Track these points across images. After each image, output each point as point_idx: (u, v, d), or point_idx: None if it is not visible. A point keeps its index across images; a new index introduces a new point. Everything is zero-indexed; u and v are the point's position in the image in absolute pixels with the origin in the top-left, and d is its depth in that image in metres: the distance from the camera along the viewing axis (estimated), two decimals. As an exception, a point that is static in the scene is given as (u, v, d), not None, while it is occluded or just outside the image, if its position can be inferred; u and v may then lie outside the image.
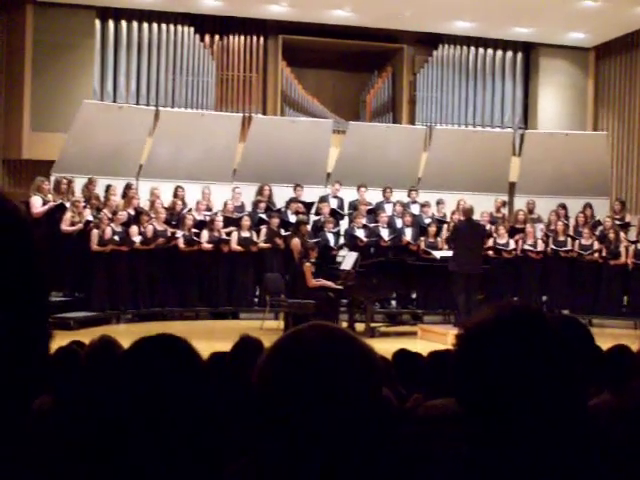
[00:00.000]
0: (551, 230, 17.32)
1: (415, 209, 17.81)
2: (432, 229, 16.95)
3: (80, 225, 14.95)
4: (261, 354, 1.70)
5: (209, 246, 16.16)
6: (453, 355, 1.78)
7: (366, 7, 19.73)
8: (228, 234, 16.39)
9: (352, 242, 16.73)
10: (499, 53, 22.60)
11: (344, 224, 17.54)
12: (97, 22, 20.20)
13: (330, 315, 13.75)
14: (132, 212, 15.89)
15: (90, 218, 15.13)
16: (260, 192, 17.53)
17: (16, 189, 18.71)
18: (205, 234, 16.18)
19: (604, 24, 20.18)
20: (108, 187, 16.04)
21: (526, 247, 16.90)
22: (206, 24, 21.19)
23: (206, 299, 16.46)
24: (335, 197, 17.95)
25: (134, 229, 15.45)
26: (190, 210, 16.65)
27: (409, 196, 18.11)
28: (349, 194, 18.02)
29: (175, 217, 16.38)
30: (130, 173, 17.29)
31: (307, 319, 11.05)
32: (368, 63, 22.40)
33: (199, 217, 16.49)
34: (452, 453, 1.79)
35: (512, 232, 17.19)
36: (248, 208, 17.30)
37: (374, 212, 17.48)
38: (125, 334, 12.36)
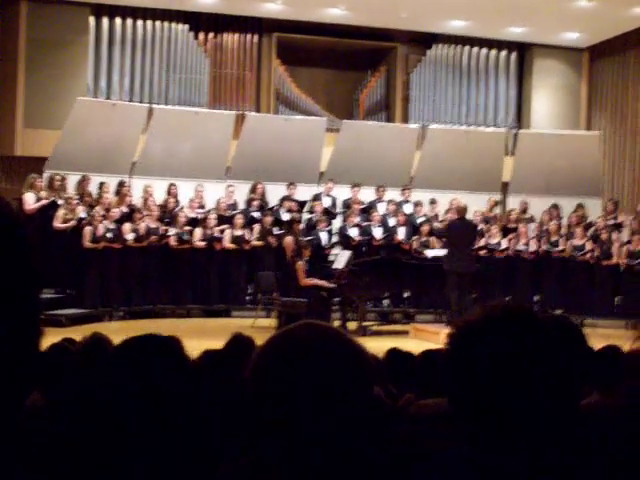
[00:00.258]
0: (544, 230, 17.34)
1: (408, 208, 17.81)
2: (425, 228, 16.97)
3: (73, 222, 14.93)
4: (253, 352, 1.70)
5: (202, 244, 16.15)
6: (445, 354, 1.78)
7: (360, 6, 19.74)
8: (221, 232, 16.39)
9: (345, 241, 16.74)
10: (493, 53, 22.63)
11: (337, 223, 17.54)
12: (91, 19, 20.18)
13: (322, 313, 13.75)
14: (125, 209, 15.88)
15: (83, 215, 15.11)
16: (253, 190, 17.53)
17: (9, 186, 18.70)
18: (198, 232, 16.17)
19: (598, 24, 20.22)
20: (101, 184, 16.03)
21: (519, 247, 16.92)
22: (200, 22, 21.17)
23: (199, 297, 16.45)
24: (328, 196, 17.95)
25: (127, 226, 15.44)
26: (183, 208, 16.64)
27: (402, 195, 18.12)
28: (342, 193, 18.02)
29: (168, 215, 16.37)
30: (123, 170, 17.26)
31: (299, 317, 11.05)
32: (362, 62, 22.41)
33: (192, 215, 16.48)
34: (444, 452, 1.79)
35: (505, 232, 17.21)
36: (241, 206, 17.30)
37: (367, 211, 17.48)
38: (117, 331, 12.32)
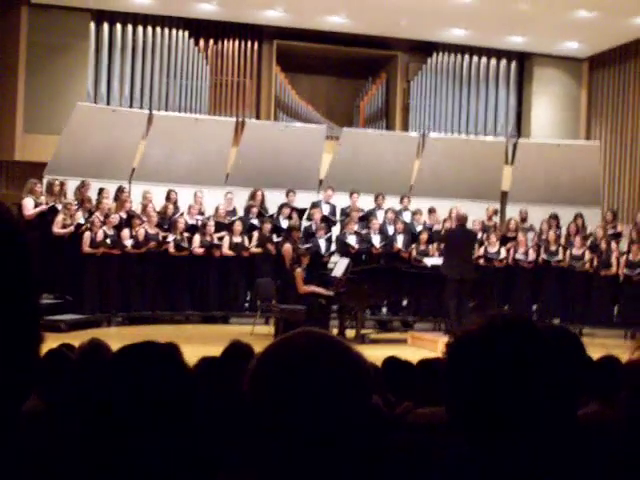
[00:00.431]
0: (542, 239, 17.34)
1: (407, 216, 17.81)
2: (423, 237, 16.96)
3: (71, 228, 14.93)
4: (251, 360, 1.70)
5: (201, 250, 16.14)
6: (443, 363, 1.78)
7: (361, 14, 19.76)
8: (220, 239, 16.38)
9: (344, 249, 16.73)
10: (493, 62, 22.66)
11: (336, 230, 17.53)
12: (92, 25, 20.21)
13: (321, 321, 13.74)
14: (124, 215, 15.87)
15: (82, 221, 15.11)
16: (252, 197, 17.52)
17: (8, 191, 18.71)
18: (197, 238, 16.17)
19: (598, 35, 20.25)
20: (101, 190, 16.03)
21: (517, 256, 16.92)
22: (201, 28, 21.20)
23: (197, 303, 16.44)
24: (327, 203, 17.94)
25: (126, 232, 15.43)
26: (182, 214, 16.63)
27: (401, 203, 18.11)
28: (342, 200, 18.02)
29: (167, 221, 16.36)
30: (123, 176, 17.27)
31: (298, 325, 11.06)
32: (362, 70, 22.44)
33: (191, 221, 16.48)
34: (441, 461, 1.79)
35: (504, 241, 17.21)
36: (240, 213, 17.29)
37: (366, 219, 17.48)
38: (115, 337, 12.32)
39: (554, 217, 17.89)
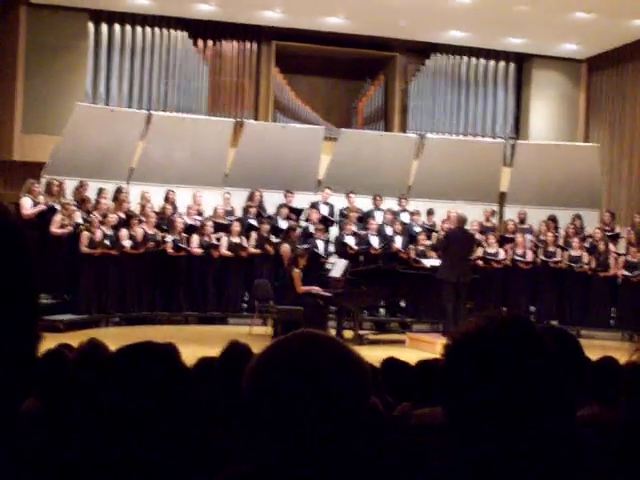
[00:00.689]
0: (540, 240, 17.35)
1: (405, 217, 17.82)
2: (422, 237, 16.97)
3: (70, 228, 14.92)
4: (250, 360, 1.70)
5: (199, 251, 16.14)
6: (441, 364, 1.78)
7: (360, 15, 19.76)
8: (218, 239, 16.37)
9: (342, 249, 16.73)
10: (491, 63, 22.66)
11: (334, 231, 17.53)
12: (90, 25, 20.18)
13: (319, 322, 13.74)
14: (122, 215, 15.86)
15: (80, 221, 15.10)
16: (251, 198, 17.52)
17: (7, 191, 18.69)
18: (195, 239, 16.16)
19: (597, 36, 20.26)
20: (100, 190, 16.03)
21: (515, 257, 16.93)
22: (200, 29, 21.19)
23: (195, 304, 16.43)
24: (326, 204, 17.94)
25: (124, 233, 15.42)
26: (181, 214, 16.63)
27: (399, 204, 18.12)
28: (340, 201, 18.02)
29: (165, 221, 16.36)
30: (121, 176, 17.27)
31: (296, 325, 11.05)
32: (361, 71, 22.43)
33: (189, 221, 16.47)
34: (440, 462, 1.79)
35: (502, 242, 17.21)
36: (238, 213, 17.29)
37: (364, 220, 17.48)
38: (113, 337, 12.30)
39: (552, 219, 17.91)
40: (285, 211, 17.29)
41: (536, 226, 17.87)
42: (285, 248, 15.68)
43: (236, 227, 16.51)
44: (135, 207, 16.45)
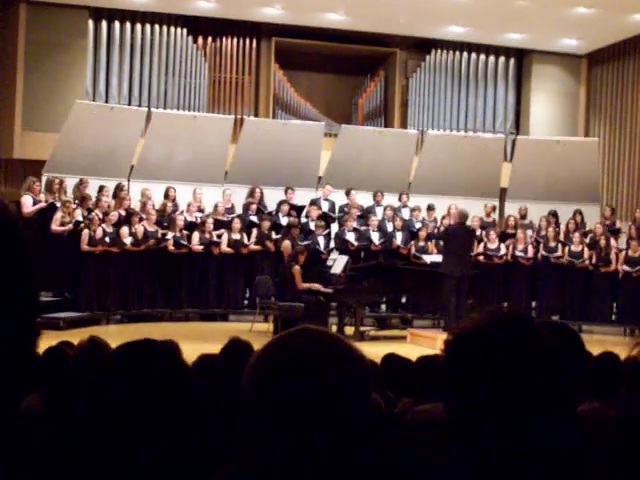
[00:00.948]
0: (541, 236, 17.34)
1: (406, 213, 17.81)
2: (422, 233, 16.96)
3: (70, 225, 14.91)
4: (251, 357, 1.70)
5: (200, 248, 16.13)
6: (442, 360, 1.78)
7: (359, 11, 19.76)
8: (219, 236, 16.36)
9: (343, 245, 16.72)
10: (492, 59, 22.66)
11: (335, 227, 17.51)
12: (90, 22, 20.19)
13: (320, 318, 13.73)
14: (123, 213, 15.86)
15: (80, 218, 15.10)
16: (251, 194, 17.50)
17: (7, 188, 18.70)
18: (196, 236, 16.15)
19: (597, 31, 20.25)
20: (101, 188, 16.03)
21: (516, 253, 16.91)
22: (199, 26, 21.20)
23: (196, 301, 16.42)
24: (326, 200, 17.92)
25: (125, 230, 15.41)
26: (181, 212, 16.62)
27: (400, 200, 18.11)
28: (340, 197, 18.01)
29: (166, 218, 16.35)
30: (121, 174, 17.26)
31: (297, 322, 11.06)
32: (361, 67, 22.43)
33: (190, 218, 16.46)
34: (441, 458, 1.79)
35: (503, 237, 17.20)
36: (239, 210, 17.27)
37: (365, 216, 17.47)
38: (114, 335, 12.34)
39: (553, 214, 17.89)
40: (286, 208, 17.27)
41: (537, 221, 17.85)
42: (286, 245, 15.67)
43: (237, 224, 16.48)
44: (135, 204, 16.43)
